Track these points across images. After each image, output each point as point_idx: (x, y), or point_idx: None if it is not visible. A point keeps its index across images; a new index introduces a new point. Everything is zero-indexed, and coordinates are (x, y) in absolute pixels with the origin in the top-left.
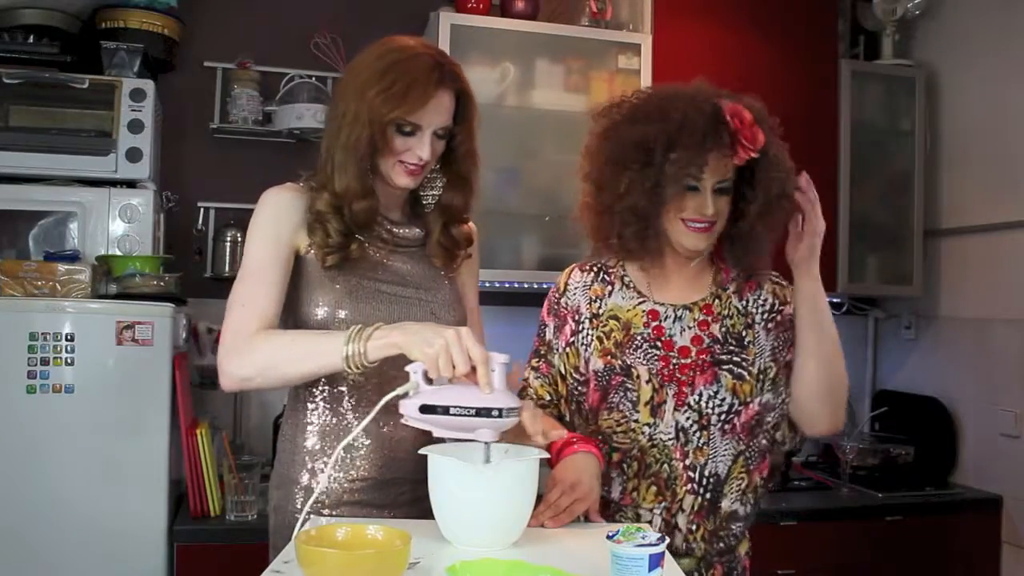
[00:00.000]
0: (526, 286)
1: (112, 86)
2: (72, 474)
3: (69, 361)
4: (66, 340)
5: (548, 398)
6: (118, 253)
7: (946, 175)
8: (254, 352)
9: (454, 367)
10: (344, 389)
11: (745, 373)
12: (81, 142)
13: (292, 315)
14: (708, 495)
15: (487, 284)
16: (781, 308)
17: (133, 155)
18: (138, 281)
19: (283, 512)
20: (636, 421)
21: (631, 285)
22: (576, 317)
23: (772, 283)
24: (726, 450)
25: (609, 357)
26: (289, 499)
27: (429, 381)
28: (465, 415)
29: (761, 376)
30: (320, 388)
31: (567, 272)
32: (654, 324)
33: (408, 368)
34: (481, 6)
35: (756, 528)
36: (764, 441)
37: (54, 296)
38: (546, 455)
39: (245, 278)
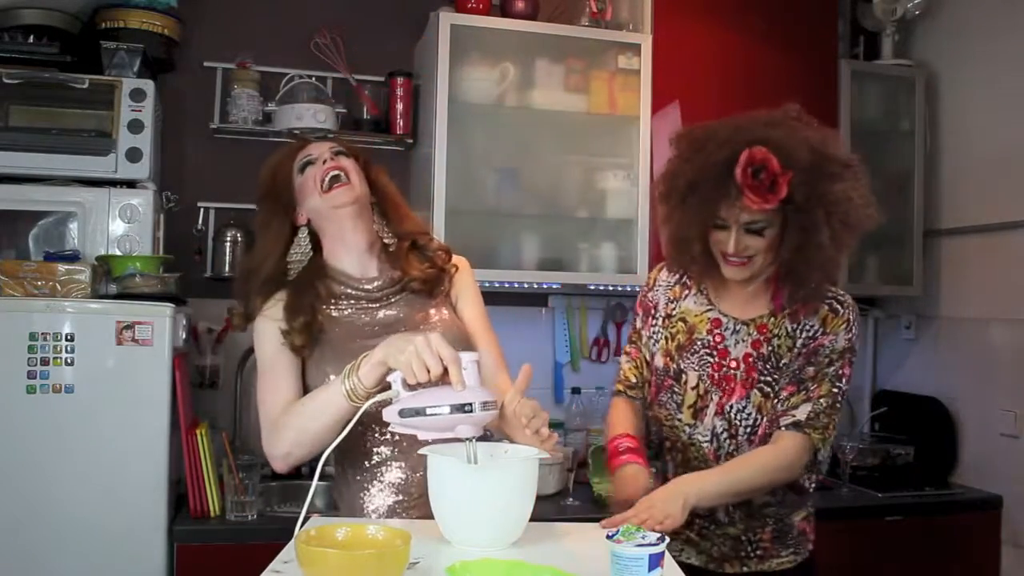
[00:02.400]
0: (525, 286)
1: (112, 86)
2: (72, 474)
3: (69, 361)
4: (66, 340)
5: (634, 380)
6: (118, 253)
7: (946, 175)
8: (281, 430)
9: (429, 371)
10: (376, 435)
11: (772, 392)
12: (81, 142)
13: None
14: None
15: (487, 284)
16: (817, 336)
17: (133, 155)
18: (138, 281)
19: None
20: (679, 420)
21: (704, 292)
22: (654, 312)
23: (828, 309)
24: None
25: (668, 359)
26: None
27: (412, 389)
28: (441, 413)
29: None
30: (359, 450)
31: (657, 269)
32: (716, 332)
33: (389, 378)
34: (481, 6)
35: None
36: None
37: (54, 296)
38: (545, 455)
39: (263, 375)
